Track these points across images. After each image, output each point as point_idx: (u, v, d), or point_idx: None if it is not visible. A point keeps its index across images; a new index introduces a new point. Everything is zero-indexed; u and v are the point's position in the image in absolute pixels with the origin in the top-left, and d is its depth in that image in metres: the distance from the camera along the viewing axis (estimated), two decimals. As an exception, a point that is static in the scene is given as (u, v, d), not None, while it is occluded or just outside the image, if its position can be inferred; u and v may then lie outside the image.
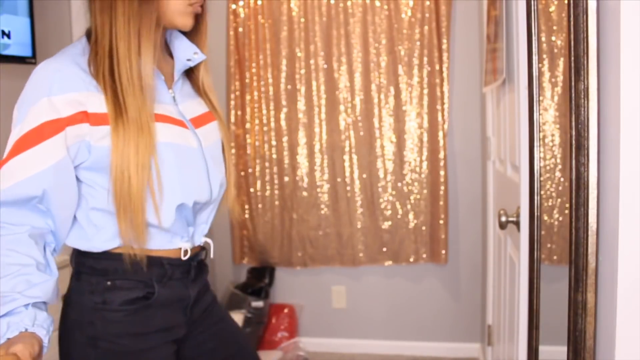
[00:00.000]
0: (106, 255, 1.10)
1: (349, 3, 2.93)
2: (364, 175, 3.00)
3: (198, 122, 1.17)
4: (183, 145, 1.11)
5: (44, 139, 0.98)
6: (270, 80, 3.01)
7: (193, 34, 1.18)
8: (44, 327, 0.99)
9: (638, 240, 0.87)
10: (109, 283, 1.10)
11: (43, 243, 1.06)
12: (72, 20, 2.73)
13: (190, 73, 1.22)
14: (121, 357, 1.09)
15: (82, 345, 1.09)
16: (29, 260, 1.01)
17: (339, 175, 3.01)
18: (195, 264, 1.20)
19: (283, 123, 3.03)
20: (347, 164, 3.00)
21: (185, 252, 1.17)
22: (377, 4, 2.90)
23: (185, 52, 1.16)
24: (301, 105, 3.01)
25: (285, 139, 3.03)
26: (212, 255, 1.23)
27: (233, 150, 3.08)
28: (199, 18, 1.15)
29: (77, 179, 1.07)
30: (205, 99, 1.21)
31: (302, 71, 2.99)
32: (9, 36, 2.20)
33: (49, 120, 0.98)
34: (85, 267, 1.11)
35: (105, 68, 1.03)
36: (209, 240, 1.23)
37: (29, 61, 2.32)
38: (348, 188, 3.01)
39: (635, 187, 0.87)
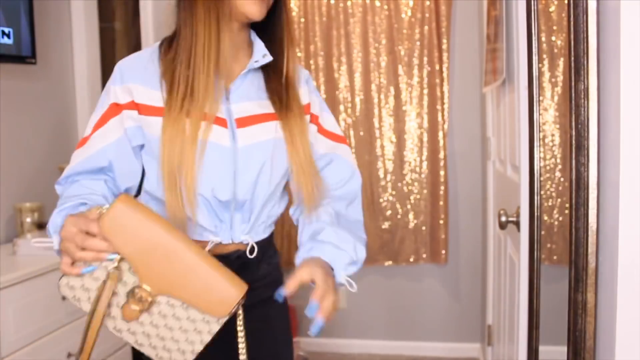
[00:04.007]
0: None
1: (349, 3, 2.93)
2: (364, 175, 3.00)
3: (245, 122, 1.15)
4: (214, 142, 1.11)
5: (108, 119, 1.14)
6: (270, 80, 3.01)
7: (268, 36, 1.20)
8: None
9: (638, 240, 0.87)
10: None
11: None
12: (72, 20, 2.74)
13: (272, 74, 1.21)
14: None
15: None
16: (100, 196, 1.11)
17: (339, 175, 3.01)
18: (235, 260, 1.17)
19: (283, 123, 3.02)
20: (347, 164, 3.00)
21: (219, 246, 1.15)
22: (377, 4, 2.90)
23: (257, 54, 1.17)
24: (301, 105, 3.00)
25: (285, 139, 3.03)
26: (250, 255, 1.18)
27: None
28: (273, 18, 1.17)
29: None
30: (275, 99, 1.18)
31: (302, 71, 2.98)
32: (9, 36, 2.20)
33: (112, 104, 1.14)
34: None
35: (183, 57, 1.11)
36: (250, 240, 1.19)
37: (29, 61, 2.32)
38: (348, 188, 3.01)
39: (635, 187, 0.87)
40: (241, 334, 1.07)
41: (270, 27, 1.19)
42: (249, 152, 1.14)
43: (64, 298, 0.99)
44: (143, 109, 1.12)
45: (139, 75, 1.14)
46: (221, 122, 1.12)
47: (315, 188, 1.17)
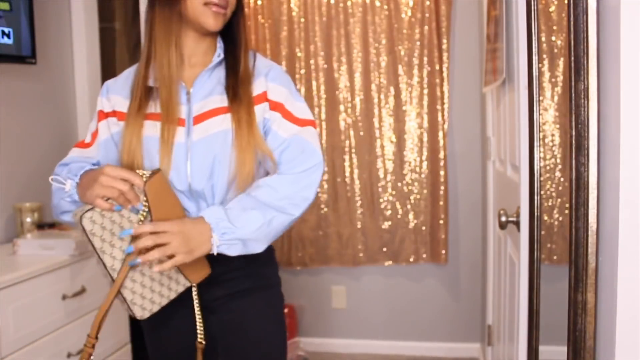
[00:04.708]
0: None
1: (349, 3, 2.93)
2: (364, 175, 3.00)
3: (201, 118, 1.26)
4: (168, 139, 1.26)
5: (98, 123, 1.35)
6: (270, 80, 3.01)
7: (231, 40, 1.32)
8: None
9: (638, 240, 0.87)
10: None
11: None
12: (72, 20, 2.73)
13: (231, 71, 1.31)
14: None
15: None
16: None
17: (339, 175, 3.01)
18: None
19: (283, 123, 3.02)
20: (347, 163, 3.00)
21: None
22: (377, 4, 2.90)
23: (215, 57, 1.30)
24: (301, 105, 3.00)
25: (285, 139, 3.03)
26: None
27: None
28: (236, 25, 1.31)
29: None
30: (229, 93, 1.27)
31: (302, 71, 2.99)
32: (9, 36, 2.20)
33: (99, 111, 1.35)
34: None
35: (143, 70, 1.28)
36: None
37: (29, 61, 2.32)
38: (348, 188, 3.01)
39: (635, 187, 0.86)
40: (197, 310, 1.27)
41: (233, 32, 1.33)
42: (201, 145, 1.25)
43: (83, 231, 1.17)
44: (120, 116, 1.31)
45: (119, 88, 1.34)
46: (180, 122, 1.26)
47: (249, 177, 1.25)
